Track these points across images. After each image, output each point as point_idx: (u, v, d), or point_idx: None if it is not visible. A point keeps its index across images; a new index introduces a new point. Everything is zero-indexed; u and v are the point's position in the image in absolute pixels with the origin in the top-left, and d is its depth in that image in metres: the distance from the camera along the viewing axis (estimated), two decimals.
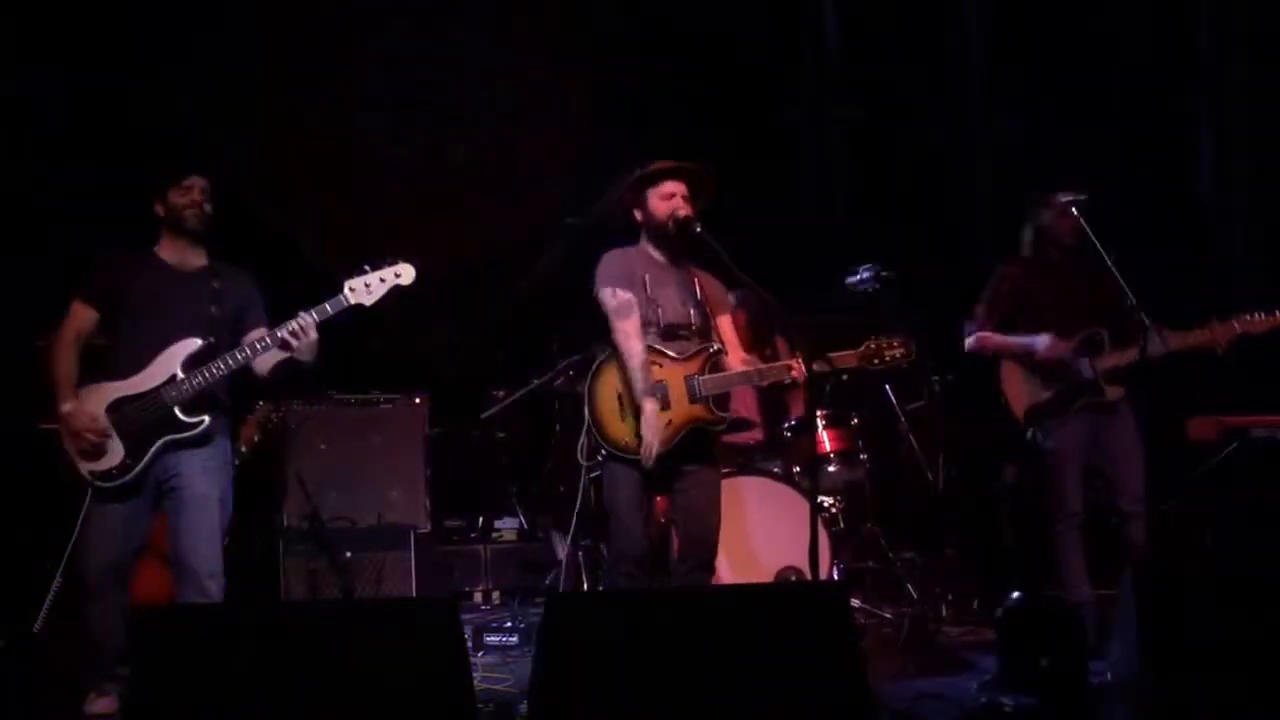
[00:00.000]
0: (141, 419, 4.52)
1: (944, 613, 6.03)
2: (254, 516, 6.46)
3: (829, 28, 8.23)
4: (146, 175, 4.74)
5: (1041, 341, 5.46)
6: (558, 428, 6.99)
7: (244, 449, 5.63)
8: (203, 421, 4.56)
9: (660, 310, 4.80)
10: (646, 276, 4.82)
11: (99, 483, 4.51)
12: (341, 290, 4.53)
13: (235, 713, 3.51)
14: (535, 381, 6.75)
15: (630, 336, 4.72)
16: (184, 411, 4.54)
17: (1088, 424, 5.49)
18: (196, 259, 4.74)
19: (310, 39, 7.89)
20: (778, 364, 4.82)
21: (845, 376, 5.45)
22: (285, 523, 6.50)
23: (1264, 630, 3.93)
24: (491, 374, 7.45)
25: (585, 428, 4.81)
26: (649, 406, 4.65)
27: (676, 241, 4.85)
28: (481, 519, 7.47)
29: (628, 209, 4.93)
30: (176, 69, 7.37)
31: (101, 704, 4.53)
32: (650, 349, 4.75)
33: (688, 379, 4.74)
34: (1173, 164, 7.42)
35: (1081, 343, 5.48)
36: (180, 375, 4.54)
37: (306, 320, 4.47)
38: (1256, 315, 5.28)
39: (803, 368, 4.62)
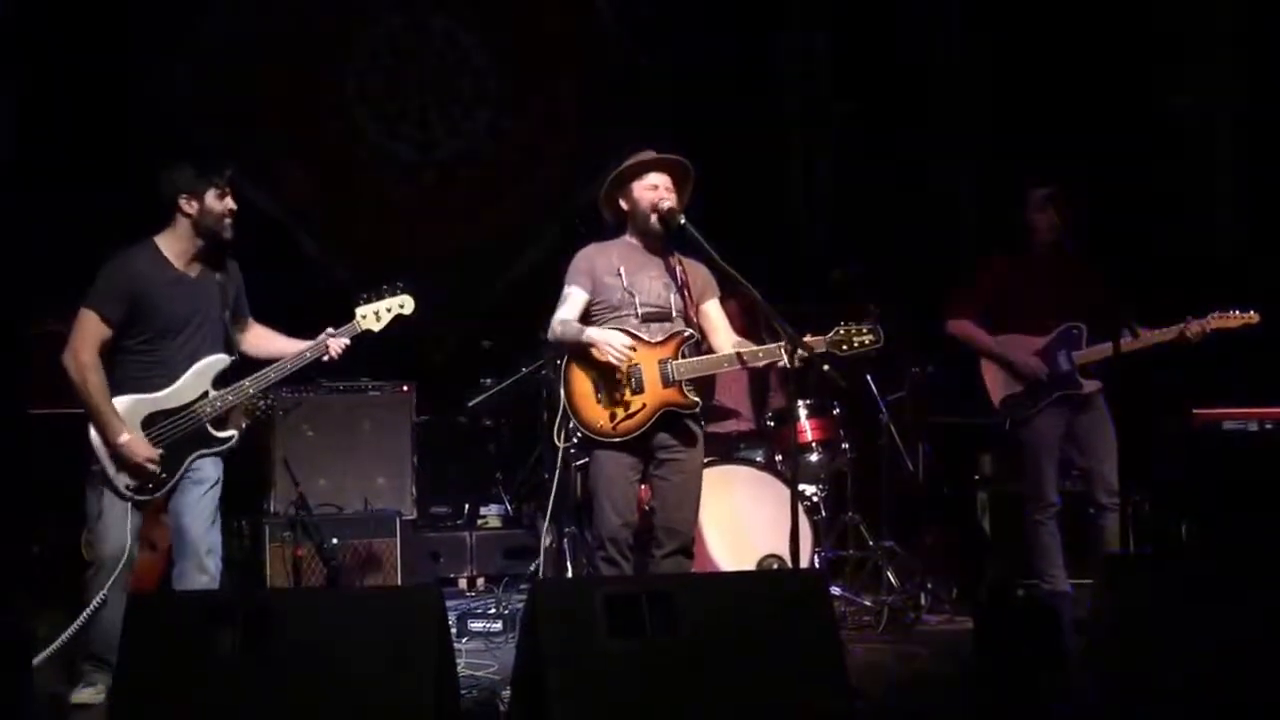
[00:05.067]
0: (176, 433, 4.58)
1: (923, 601, 6.06)
2: (241, 503, 6.51)
3: (819, 25, 8.29)
4: (174, 169, 4.61)
5: (1021, 361, 5.55)
6: (545, 416, 7.04)
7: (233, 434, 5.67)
8: (233, 436, 4.68)
9: (637, 297, 4.84)
10: (622, 266, 4.86)
11: (136, 496, 4.54)
12: (354, 317, 4.79)
13: (220, 699, 3.52)
14: (523, 370, 6.79)
15: (551, 323, 4.84)
16: (215, 427, 4.64)
17: (1063, 416, 5.57)
18: (202, 258, 4.68)
19: (306, 34, 7.99)
20: (767, 346, 4.81)
21: (827, 366, 5.47)
22: (272, 509, 6.54)
23: (1236, 621, 3.98)
24: (479, 362, 7.50)
25: (560, 411, 4.88)
26: (589, 334, 4.73)
27: (660, 231, 4.90)
28: (467, 506, 7.53)
29: (613, 201, 4.98)
30: (174, 60, 7.47)
31: (85, 693, 4.55)
32: (625, 333, 4.79)
33: (661, 363, 4.78)
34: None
35: (1059, 336, 5.55)
36: (213, 393, 4.62)
37: (340, 344, 4.79)
38: (1231, 312, 5.36)
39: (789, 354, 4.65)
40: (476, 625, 5.75)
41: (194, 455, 4.60)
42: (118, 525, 4.56)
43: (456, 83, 8.28)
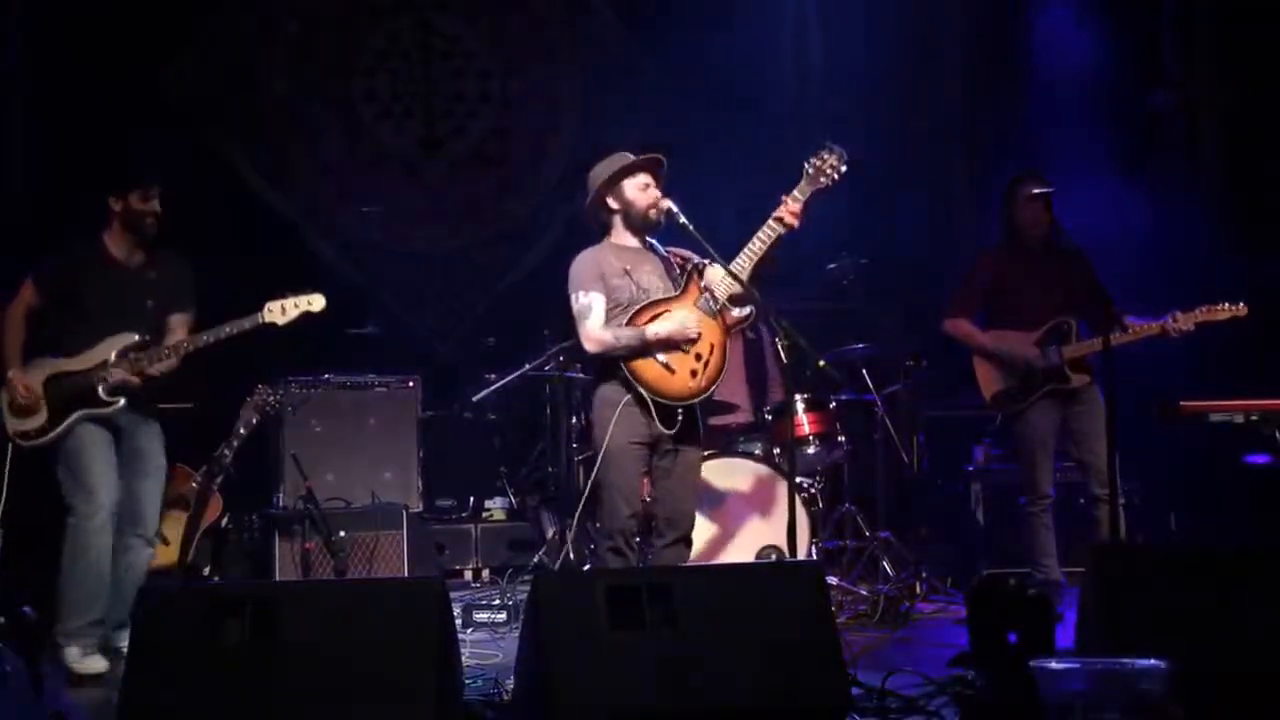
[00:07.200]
0: (68, 392, 5.01)
1: (918, 590, 6.15)
2: (250, 497, 6.63)
3: (811, 24, 8.37)
4: (110, 171, 5.14)
5: (1019, 353, 5.63)
6: (548, 411, 7.15)
7: (243, 430, 5.77)
8: (118, 402, 5.03)
9: (647, 293, 4.91)
10: (626, 266, 4.93)
11: (19, 440, 5.03)
12: (261, 309, 5.05)
13: (228, 689, 3.58)
14: (527, 366, 6.88)
15: (590, 336, 4.87)
16: (106, 392, 5.00)
17: (1056, 409, 5.65)
18: (141, 251, 5.17)
19: (312, 35, 8.10)
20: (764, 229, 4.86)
21: (822, 363, 5.54)
22: (280, 503, 6.63)
23: (1220, 610, 4.04)
24: (484, 358, 7.59)
25: (584, 419, 4.92)
26: (653, 330, 4.78)
27: (653, 228, 5.00)
28: (472, 499, 7.62)
29: (602, 202, 5.07)
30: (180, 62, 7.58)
31: (90, 662, 4.87)
32: (651, 303, 4.87)
33: (696, 304, 4.87)
34: None
35: (1049, 331, 5.64)
36: (112, 361, 5.01)
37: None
38: (1220, 305, 5.44)
39: (795, 214, 4.78)
40: (481, 616, 5.84)
41: (80, 413, 5.01)
42: (104, 466, 5.01)
43: (460, 83, 8.40)
